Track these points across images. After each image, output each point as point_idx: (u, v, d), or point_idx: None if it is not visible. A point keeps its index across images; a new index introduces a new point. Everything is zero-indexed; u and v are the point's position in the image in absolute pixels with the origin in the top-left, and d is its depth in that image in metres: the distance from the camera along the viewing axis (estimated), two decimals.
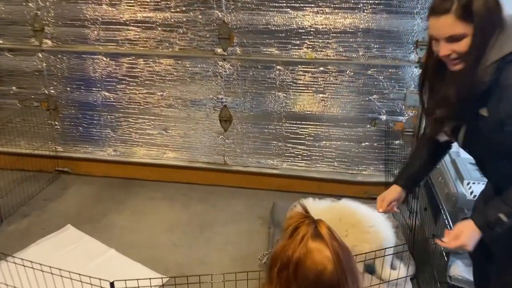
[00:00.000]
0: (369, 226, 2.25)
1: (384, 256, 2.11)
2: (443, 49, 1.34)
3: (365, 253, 1.98)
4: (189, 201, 3.16)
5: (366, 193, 3.23)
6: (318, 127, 3.13)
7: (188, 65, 3.11)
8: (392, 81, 2.93)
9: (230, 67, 3.06)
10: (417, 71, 2.86)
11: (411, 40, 2.82)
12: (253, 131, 3.20)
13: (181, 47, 3.07)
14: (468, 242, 1.41)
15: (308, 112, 3.10)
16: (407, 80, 2.91)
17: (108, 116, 3.33)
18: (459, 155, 2.50)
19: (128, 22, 3.05)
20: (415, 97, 2.93)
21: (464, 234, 1.42)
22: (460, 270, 2.14)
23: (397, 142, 3.08)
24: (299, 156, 3.22)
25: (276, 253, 1.04)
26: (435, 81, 1.49)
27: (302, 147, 3.20)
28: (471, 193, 2.19)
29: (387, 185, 3.12)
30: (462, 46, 1.31)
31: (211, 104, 3.18)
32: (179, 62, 3.11)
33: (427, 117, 1.69)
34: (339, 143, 3.15)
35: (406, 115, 3.01)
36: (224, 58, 3.04)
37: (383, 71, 2.91)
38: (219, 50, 3.03)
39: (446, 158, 2.58)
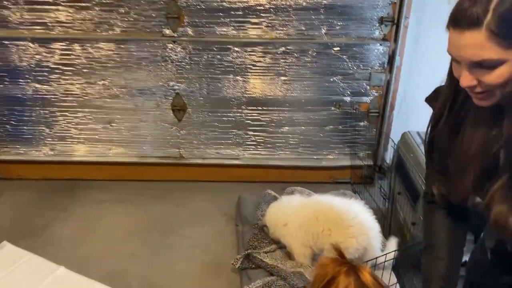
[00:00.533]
0: (350, 219, 2.10)
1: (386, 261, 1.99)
2: (466, 79, 0.94)
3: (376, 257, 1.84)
4: (145, 201, 2.86)
5: (332, 178, 3.11)
6: (281, 112, 2.92)
7: (133, 50, 2.74)
8: (357, 61, 2.77)
9: (181, 50, 2.74)
10: (382, 49, 2.73)
11: (376, 16, 2.66)
12: (210, 120, 2.93)
13: (123, 29, 2.69)
14: None
15: (270, 97, 2.88)
16: (371, 59, 2.77)
17: (41, 111, 2.89)
18: None
19: (57, 1, 2.61)
20: (379, 76, 2.81)
21: None
22: None
23: (362, 124, 2.97)
24: (261, 144, 3.01)
25: None
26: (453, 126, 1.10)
27: (264, 134, 2.99)
28: None
29: (352, 168, 3.03)
30: (495, 77, 0.91)
31: (161, 93, 2.85)
32: (122, 46, 2.73)
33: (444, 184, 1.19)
34: (303, 128, 2.97)
35: (371, 95, 2.89)
36: (174, 41, 2.71)
37: (347, 50, 2.74)
38: (168, 32, 2.69)
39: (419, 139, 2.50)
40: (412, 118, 2.85)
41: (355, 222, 2.09)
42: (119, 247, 2.45)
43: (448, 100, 1.09)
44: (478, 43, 0.88)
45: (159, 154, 3.01)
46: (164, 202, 2.84)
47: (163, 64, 2.77)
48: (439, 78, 1.24)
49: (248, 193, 2.82)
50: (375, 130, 2.98)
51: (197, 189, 2.99)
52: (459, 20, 0.90)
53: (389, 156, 3.03)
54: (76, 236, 2.54)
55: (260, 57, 2.76)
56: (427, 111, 1.23)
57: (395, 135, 2.82)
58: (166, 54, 2.74)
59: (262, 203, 2.62)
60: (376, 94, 2.88)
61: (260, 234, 2.39)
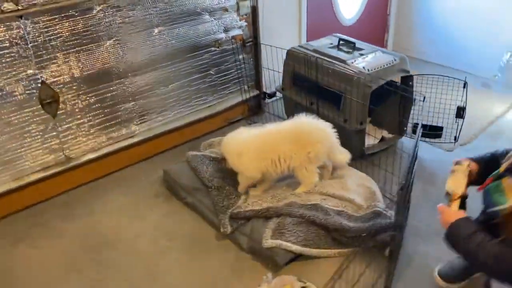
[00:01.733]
0: (306, 132, 2.16)
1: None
2: None
3: None
4: (59, 225, 2.25)
5: (228, 120, 3.06)
6: (165, 68, 2.64)
7: None
8: None
9: (33, 26, 2.11)
10: None
11: None
12: (92, 102, 2.43)
13: None
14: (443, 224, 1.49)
15: (152, 55, 2.55)
16: None
17: None
18: None
19: None
20: (246, 3, 2.81)
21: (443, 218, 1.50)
22: None
23: (241, 56, 2.96)
24: (154, 110, 2.69)
25: None
26: None
27: (155, 98, 2.67)
28: None
29: (245, 102, 3.05)
30: None
31: (21, 88, 2.18)
32: None
33: None
34: (190, 78, 2.77)
35: (242, 26, 2.88)
36: (20, 16, 2.06)
37: None
38: (9, 6, 2.02)
39: None
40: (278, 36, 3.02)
41: (310, 131, 2.16)
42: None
43: None
44: None
45: (40, 166, 2.36)
46: (73, 220, 2.29)
47: (13, 50, 2.09)
48: None
49: (168, 165, 2.54)
50: (252, 60, 3.02)
51: (105, 186, 2.52)
52: None
53: (272, 80, 3.15)
54: None
55: (129, 10, 2.38)
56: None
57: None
58: (14, 35, 2.07)
59: (198, 165, 2.41)
60: (245, 23, 2.89)
61: (220, 193, 2.23)
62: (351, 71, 2.39)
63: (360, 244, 1.98)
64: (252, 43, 2.95)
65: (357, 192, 2.20)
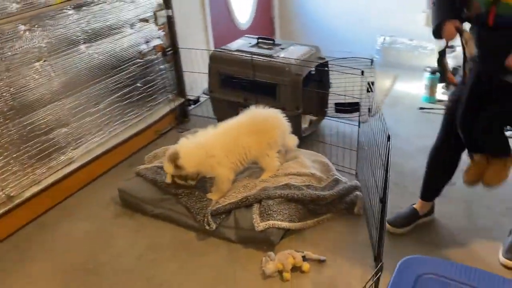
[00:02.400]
0: (260, 121, 2.32)
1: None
2: None
3: None
4: (20, 268, 2.02)
5: (158, 132, 3.06)
6: (96, 86, 2.54)
7: None
8: (139, 7, 2.70)
9: None
10: None
11: None
12: (26, 133, 2.23)
13: None
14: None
15: (82, 73, 2.44)
16: None
17: None
18: None
19: None
20: (162, 13, 2.86)
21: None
22: None
23: (163, 66, 2.98)
24: (89, 131, 2.57)
25: None
26: None
27: (89, 119, 2.55)
28: None
29: (173, 111, 3.09)
30: None
31: None
32: None
33: None
34: (120, 93, 2.71)
35: (160, 36, 2.91)
36: None
37: None
38: None
39: None
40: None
41: (266, 120, 2.34)
42: None
43: None
44: None
45: None
46: (34, 261, 2.09)
47: None
48: None
49: (114, 184, 2.47)
50: (173, 67, 3.06)
51: (58, 218, 2.34)
52: None
53: (193, 86, 3.23)
54: None
55: (60, 27, 2.25)
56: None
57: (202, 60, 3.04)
58: None
59: (156, 176, 2.39)
60: (163, 32, 2.93)
61: (191, 198, 2.25)
62: (281, 63, 2.63)
63: (333, 208, 2.23)
64: (171, 51, 3.00)
65: (314, 167, 2.44)
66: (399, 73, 3.83)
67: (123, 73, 2.69)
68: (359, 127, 2.55)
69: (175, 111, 3.15)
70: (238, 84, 2.83)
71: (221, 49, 2.90)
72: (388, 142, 1.75)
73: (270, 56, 2.71)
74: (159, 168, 2.48)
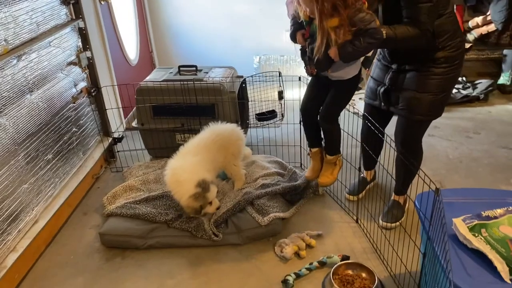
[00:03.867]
0: (228, 131, 2.56)
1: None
2: None
3: None
4: None
5: (95, 175, 2.98)
6: (43, 135, 2.40)
7: None
8: (66, 51, 2.65)
9: None
10: (72, 29, 2.73)
11: None
12: None
13: None
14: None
15: (29, 126, 2.29)
16: (71, 43, 2.72)
17: None
18: None
19: None
20: (84, 55, 2.84)
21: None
22: None
23: (89, 108, 2.94)
24: (44, 185, 2.40)
25: None
26: None
27: (41, 172, 2.38)
28: None
29: (105, 152, 3.07)
30: None
31: None
32: None
33: None
34: (62, 141, 2.60)
35: (84, 78, 2.87)
36: None
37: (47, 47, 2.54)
38: None
39: None
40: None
41: (228, 133, 2.55)
42: None
43: None
44: None
45: None
46: None
47: None
48: None
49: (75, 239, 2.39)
50: (96, 108, 3.03)
51: (43, 279, 2.14)
52: None
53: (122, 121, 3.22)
54: None
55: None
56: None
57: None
58: None
59: (135, 211, 2.41)
60: (86, 73, 2.89)
61: (182, 221, 2.36)
62: (217, 84, 2.92)
63: (303, 195, 2.62)
64: (95, 91, 2.97)
65: (273, 166, 2.80)
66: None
67: (62, 119, 2.59)
68: (300, 125, 2.97)
69: (105, 152, 3.09)
70: (173, 112, 3.00)
71: (147, 81, 3.02)
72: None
73: (201, 79, 2.96)
74: (132, 203, 2.49)
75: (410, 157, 2.14)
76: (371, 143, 2.38)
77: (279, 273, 2.09)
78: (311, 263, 2.12)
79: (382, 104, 2.29)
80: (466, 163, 2.96)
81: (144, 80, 3.08)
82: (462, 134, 3.34)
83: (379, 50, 2.38)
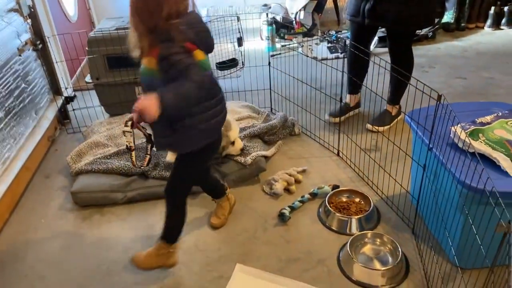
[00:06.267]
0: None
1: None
2: None
3: None
4: None
5: (50, 137, 2.74)
6: None
7: None
8: None
9: None
10: None
11: None
12: None
13: None
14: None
15: None
16: None
17: None
18: None
19: None
20: (25, 2, 2.52)
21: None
22: None
23: (36, 63, 2.64)
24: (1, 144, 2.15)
25: None
26: None
27: None
28: None
29: (60, 112, 2.82)
30: None
31: None
32: None
33: None
34: (13, 97, 2.32)
35: (26, 29, 2.56)
36: None
37: None
38: None
39: None
40: None
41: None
42: None
43: None
44: None
45: None
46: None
47: None
48: None
49: (56, 193, 2.19)
50: (44, 63, 2.73)
51: (16, 244, 1.93)
52: None
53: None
54: None
55: None
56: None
57: None
58: None
59: (108, 165, 2.24)
60: (28, 24, 2.58)
61: (160, 168, 2.24)
62: None
63: (280, 135, 2.57)
64: (40, 45, 2.67)
65: (245, 110, 2.71)
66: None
67: (10, 72, 2.30)
68: (269, 67, 2.88)
69: (57, 113, 2.83)
70: (130, 62, 2.76)
71: (97, 31, 2.76)
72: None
73: None
74: (102, 158, 2.30)
75: (403, 66, 2.23)
76: (357, 66, 2.51)
77: (273, 209, 2.04)
78: (302, 196, 2.09)
79: (366, 20, 2.30)
80: None
81: (94, 30, 2.82)
82: (419, 69, 3.44)
83: None
